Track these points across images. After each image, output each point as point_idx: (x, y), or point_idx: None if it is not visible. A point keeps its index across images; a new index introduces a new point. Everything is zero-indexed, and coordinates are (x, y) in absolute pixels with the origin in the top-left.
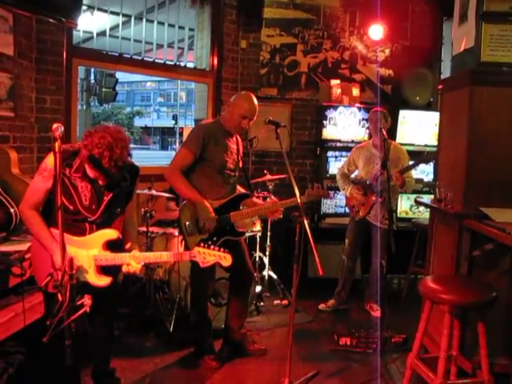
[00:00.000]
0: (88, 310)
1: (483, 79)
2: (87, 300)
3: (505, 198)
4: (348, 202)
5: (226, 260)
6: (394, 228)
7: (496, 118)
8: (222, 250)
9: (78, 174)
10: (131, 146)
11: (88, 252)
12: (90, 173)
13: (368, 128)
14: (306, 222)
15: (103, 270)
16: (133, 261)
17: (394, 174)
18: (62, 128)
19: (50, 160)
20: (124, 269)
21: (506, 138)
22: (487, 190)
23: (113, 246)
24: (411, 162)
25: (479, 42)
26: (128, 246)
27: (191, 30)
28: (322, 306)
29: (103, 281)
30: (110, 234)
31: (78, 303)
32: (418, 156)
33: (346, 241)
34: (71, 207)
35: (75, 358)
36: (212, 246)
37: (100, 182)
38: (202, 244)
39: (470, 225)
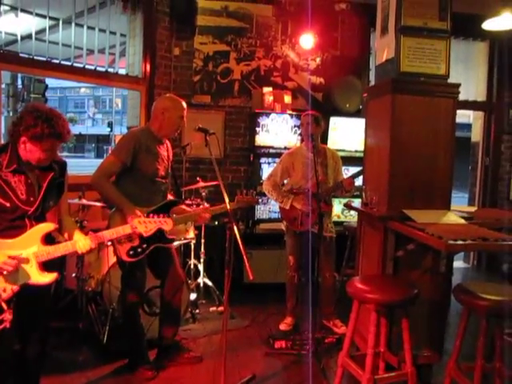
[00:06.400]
0: (8, 325)
1: (403, 88)
2: (7, 315)
3: (426, 200)
4: (288, 214)
5: (167, 224)
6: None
7: (415, 123)
8: (161, 215)
9: (9, 168)
10: (64, 154)
11: (27, 251)
12: (36, 148)
13: (300, 134)
14: (235, 227)
15: (46, 266)
16: (77, 247)
17: (343, 180)
18: None
19: None
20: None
21: (425, 143)
22: (410, 192)
23: (51, 239)
24: (358, 168)
25: (399, 54)
26: (66, 235)
27: (123, 35)
28: (283, 327)
29: (48, 277)
30: (47, 226)
31: None
32: (349, 161)
33: (290, 258)
34: (8, 204)
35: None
36: (151, 215)
37: (33, 162)
38: (139, 215)
39: (394, 226)
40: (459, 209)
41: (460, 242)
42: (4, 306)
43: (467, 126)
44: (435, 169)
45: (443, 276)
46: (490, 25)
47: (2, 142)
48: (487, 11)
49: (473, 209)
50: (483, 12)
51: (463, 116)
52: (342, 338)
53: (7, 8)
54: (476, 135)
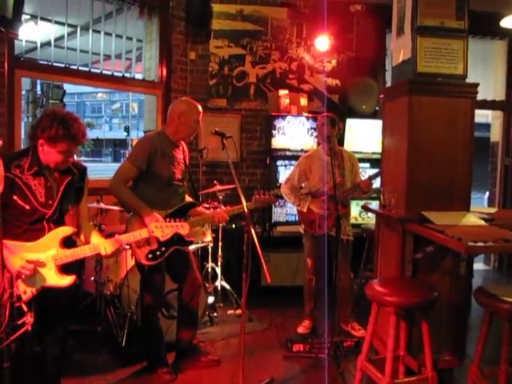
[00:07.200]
0: (30, 328)
1: (420, 89)
2: (29, 318)
3: (445, 202)
4: (305, 217)
5: (184, 228)
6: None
7: (433, 124)
8: (177, 220)
9: (30, 171)
10: (82, 158)
11: (45, 254)
12: (52, 150)
13: (316, 136)
14: (253, 230)
15: (64, 269)
16: (102, 249)
17: (361, 182)
18: (0, 142)
19: None
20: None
21: (443, 144)
22: (428, 194)
23: (70, 242)
24: (375, 170)
25: (415, 54)
26: (82, 237)
27: (139, 41)
28: (301, 330)
29: (66, 280)
30: (65, 230)
31: (19, 322)
32: (366, 163)
33: (308, 261)
34: (27, 207)
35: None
36: (167, 219)
37: (52, 165)
38: (157, 219)
39: (413, 228)
40: (479, 210)
41: (480, 244)
42: (25, 308)
43: (486, 126)
44: (454, 170)
45: (463, 278)
46: (507, 22)
47: (22, 146)
48: (505, 9)
49: (493, 210)
50: (501, 10)
51: (481, 116)
52: (361, 341)
53: (27, 17)
54: (495, 135)
